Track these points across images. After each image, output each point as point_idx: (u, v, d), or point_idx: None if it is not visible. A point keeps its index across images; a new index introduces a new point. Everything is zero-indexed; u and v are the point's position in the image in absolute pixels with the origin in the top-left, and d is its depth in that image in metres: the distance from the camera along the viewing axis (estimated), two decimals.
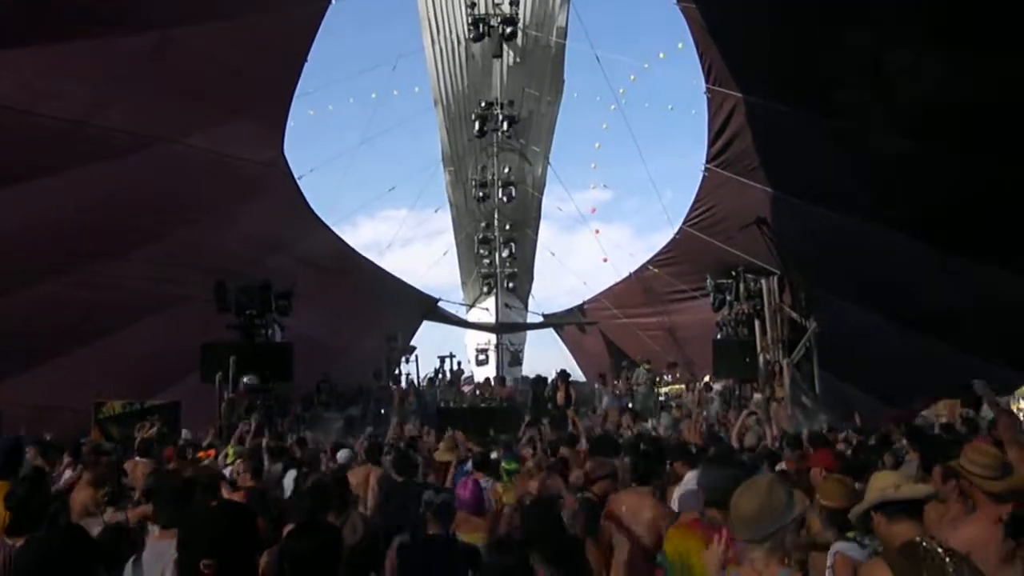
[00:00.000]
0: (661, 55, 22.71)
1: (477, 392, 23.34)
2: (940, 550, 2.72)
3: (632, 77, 23.72)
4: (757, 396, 16.52)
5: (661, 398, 21.17)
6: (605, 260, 28.06)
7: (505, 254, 28.05)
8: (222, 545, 2.59)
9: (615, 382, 21.96)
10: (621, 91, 23.80)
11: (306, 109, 19.78)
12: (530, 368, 29.15)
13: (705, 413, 16.62)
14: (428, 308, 28.35)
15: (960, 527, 3.81)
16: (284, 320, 18.10)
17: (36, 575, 2.79)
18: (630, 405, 19.65)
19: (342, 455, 9.25)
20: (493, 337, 28.42)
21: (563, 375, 20.92)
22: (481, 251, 28.18)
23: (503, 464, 7.22)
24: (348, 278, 21.89)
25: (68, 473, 7.50)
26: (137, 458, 8.39)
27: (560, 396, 20.10)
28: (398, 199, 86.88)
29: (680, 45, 15.87)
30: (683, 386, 21.25)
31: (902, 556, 2.84)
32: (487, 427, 13.86)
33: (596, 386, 24.00)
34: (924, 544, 2.79)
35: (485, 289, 29.25)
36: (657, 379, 21.94)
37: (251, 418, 15.20)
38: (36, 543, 2.96)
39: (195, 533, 2.67)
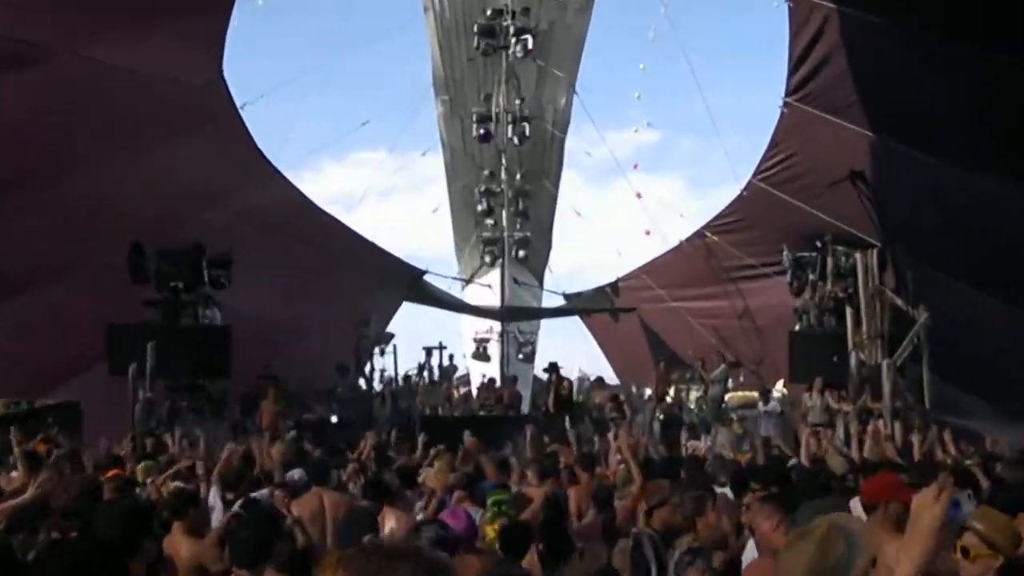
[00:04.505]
0: None
1: (476, 396, 23.38)
2: None
3: None
4: (846, 408, 16.44)
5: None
6: (648, 233, 27.94)
7: (515, 212, 27.96)
8: None
9: (658, 389, 21.99)
10: None
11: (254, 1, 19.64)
12: (545, 365, 29.18)
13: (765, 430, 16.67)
14: (411, 283, 28.34)
15: None
16: (220, 296, 18.16)
17: None
18: (686, 420, 19.79)
19: (294, 476, 9.32)
20: (497, 324, 28.40)
21: (553, 368, 21.07)
22: (483, 208, 28.07)
23: (489, 497, 7.28)
24: (306, 242, 21.93)
25: None
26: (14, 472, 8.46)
27: (551, 398, 20.34)
28: (374, 137, 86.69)
29: None
30: (752, 393, 21.28)
31: None
32: (484, 442, 13.88)
33: (633, 390, 24.04)
34: None
35: (487, 259, 29.15)
36: (729, 382, 22.00)
37: (175, 424, 15.35)
38: None
39: (42, 569, 2.86)
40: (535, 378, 27.19)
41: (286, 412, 19.16)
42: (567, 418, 19.78)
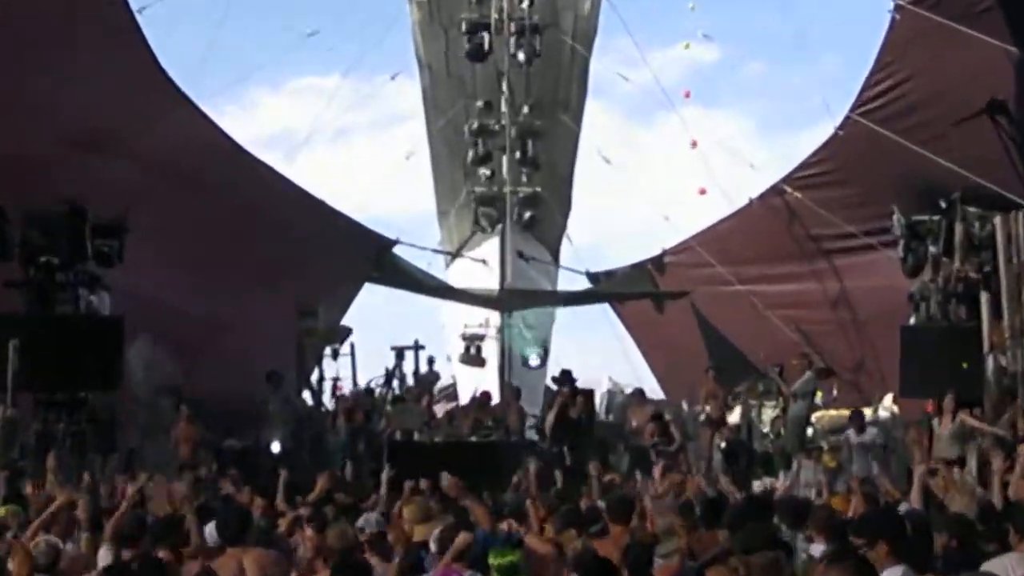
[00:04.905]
0: None
1: (465, 414, 23.36)
2: None
3: None
4: (989, 430, 16.43)
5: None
6: (703, 192, 27.87)
7: (520, 159, 27.87)
8: None
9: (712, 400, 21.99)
10: None
11: None
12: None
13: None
14: (376, 258, 28.31)
15: None
16: (109, 276, 18.20)
17: None
18: (758, 449, 19.81)
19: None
20: (495, 315, 28.46)
21: (564, 378, 20.97)
22: (476, 154, 28.00)
23: (491, 558, 7.34)
24: (229, 201, 21.96)
25: None
26: None
27: (550, 417, 20.30)
28: (324, 55, 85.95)
29: None
30: (841, 411, 21.27)
31: None
32: (479, 479, 13.95)
33: (684, 407, 24.04)
34: None
35: (483, 224, 29.12)
36: (818, 397, 22.00)
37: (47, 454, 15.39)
38: None
39: None
40: (547, 390, 27.11)
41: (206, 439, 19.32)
42: (564, 448, 19.88)
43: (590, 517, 9.96)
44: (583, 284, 31.78)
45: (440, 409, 25.24)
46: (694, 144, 28.39)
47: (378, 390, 25.81)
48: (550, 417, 20.55)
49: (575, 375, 21.58)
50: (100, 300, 18.14)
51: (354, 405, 23.09)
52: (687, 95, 31.97)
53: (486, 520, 9.47)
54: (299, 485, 13.09)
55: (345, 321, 27.62)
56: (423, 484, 12.60)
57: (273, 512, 11.46)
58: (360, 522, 9.60)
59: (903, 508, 10.50)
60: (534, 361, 28.57)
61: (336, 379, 25.46)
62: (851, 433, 18.95)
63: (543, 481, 13.91)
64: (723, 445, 20.29)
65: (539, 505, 10.88)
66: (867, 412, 20.94)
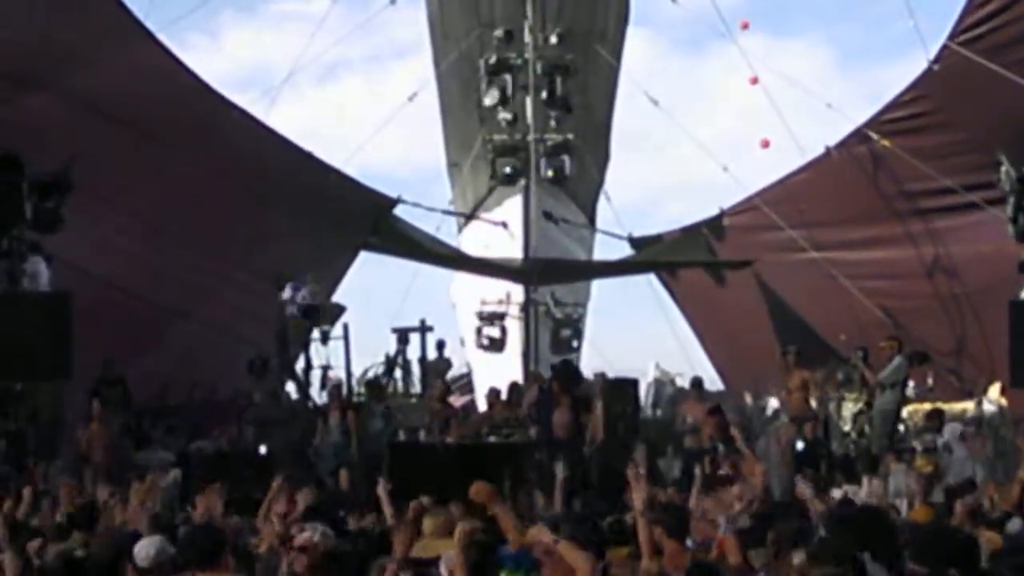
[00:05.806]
0: None
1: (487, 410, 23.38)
2: None
3: None
4: None
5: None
6: (766, 144, 27.77)
7: (547, 99, 27.85)
8: None
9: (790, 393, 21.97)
10: None
11: None
12: (600, 359, 29.17)
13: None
14: (374, 221, 28.37)
15: None
16: (51, 243, 18.19)
17: None
18: (836, 450, 19.78)
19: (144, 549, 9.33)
20: (517, 288, 28.43)
21: (564, 373, 20.79)
22: (494, 95, 27.99)
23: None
24: (195, 152, 21.91)
25: None
26: None
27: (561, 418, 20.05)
28: None
29: None
30: (948, 406, 21.25)
31: None
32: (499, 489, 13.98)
33: (748, 399, 24.01)
34: None
35: (505, 172, 29.04)
36: (910, 387, 21.97)
37: None
38: None
39: None
40: (542, 388, 27.06)
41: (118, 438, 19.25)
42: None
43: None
44: (624, 251, 31.86)
45: (453, 403, 25.15)
46: (753, 81, 28.23)
47: (373, 380, 25.64)
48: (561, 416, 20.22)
49: (625, 366, 21.55)
50: (37, 272, 18.02)
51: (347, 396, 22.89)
52: (744, 26, 31.65)
53: (516, 535, 9.44)
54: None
55: (336, 298, 27.68)
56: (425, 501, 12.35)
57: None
58: None
59: (1013, 526, 10.46)
60: (575, 343, 28.67)
61: (326, 367, 25.38)
62: (936, 437, 19.01)
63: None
64: (800, 445, 20.13)
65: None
66: (969, 406, 20.92)
